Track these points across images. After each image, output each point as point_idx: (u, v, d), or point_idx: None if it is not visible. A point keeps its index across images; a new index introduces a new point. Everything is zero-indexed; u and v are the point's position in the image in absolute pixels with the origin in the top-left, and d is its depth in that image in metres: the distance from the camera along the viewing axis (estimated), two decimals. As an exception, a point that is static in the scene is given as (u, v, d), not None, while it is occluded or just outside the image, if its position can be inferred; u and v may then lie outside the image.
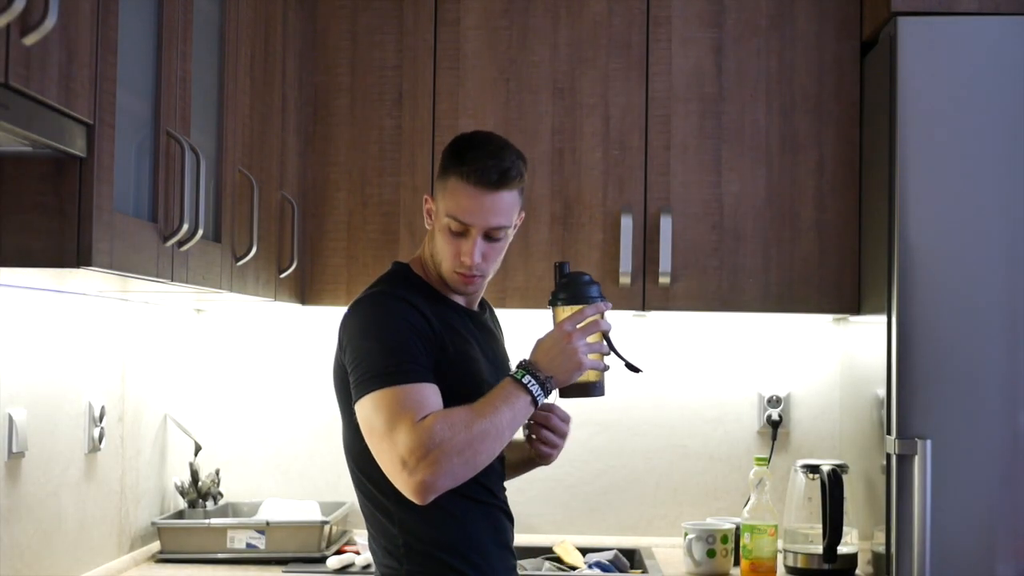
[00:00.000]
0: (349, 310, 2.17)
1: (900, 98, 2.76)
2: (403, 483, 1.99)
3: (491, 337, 2.32)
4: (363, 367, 2.06)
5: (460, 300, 2.26)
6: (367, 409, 2.03)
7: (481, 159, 2.13)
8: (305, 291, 3.17)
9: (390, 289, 2.17)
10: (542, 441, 2.26)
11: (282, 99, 2.93)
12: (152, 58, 2.06)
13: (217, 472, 3.31)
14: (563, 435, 2.28)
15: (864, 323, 3.06)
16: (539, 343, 2.13)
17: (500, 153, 2.16)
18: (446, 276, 2.20)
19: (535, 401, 2.07)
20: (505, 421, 2.03)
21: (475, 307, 2.29)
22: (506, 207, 2.16)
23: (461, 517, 2.15)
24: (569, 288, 2.17)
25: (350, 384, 2.09)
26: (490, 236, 2.16)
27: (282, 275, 2.92)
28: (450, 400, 2.07)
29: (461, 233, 2.16)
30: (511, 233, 2.20)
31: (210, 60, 2.41)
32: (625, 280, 3.08)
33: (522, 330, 2.49)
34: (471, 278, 2.18)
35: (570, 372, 2.10)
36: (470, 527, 2.16)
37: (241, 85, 2.57)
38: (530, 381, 2.06)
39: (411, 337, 2.07)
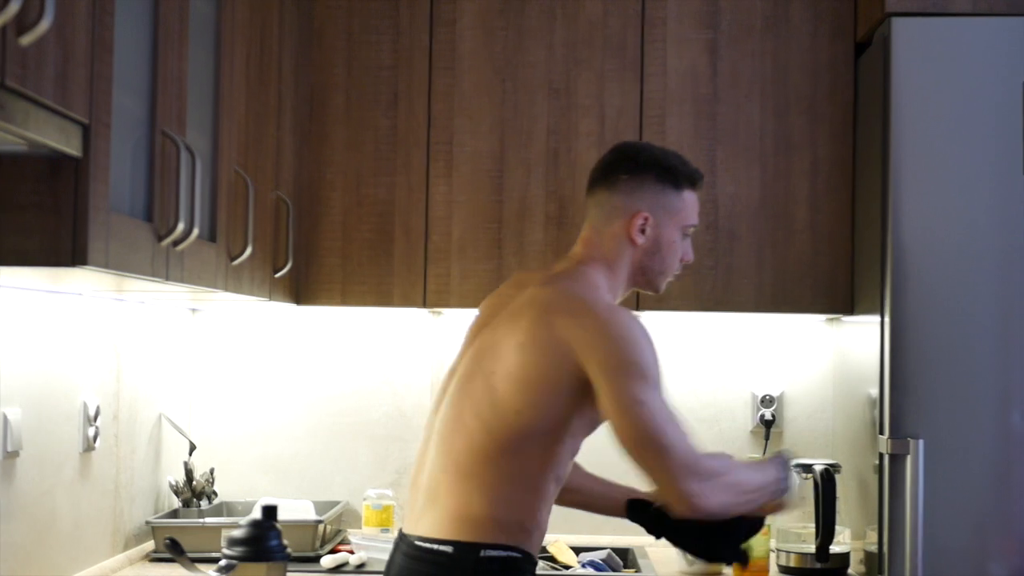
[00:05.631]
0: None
1: (894, 99, 2.76)
2: (684, 487, 2.04)
3: None
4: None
5: None
6: (646, 403, 2.06)
7: (692, 167, 2.34)
8: (300, 291, 3.18)
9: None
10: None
11: (278, 99, 2.93)
12: (148, 58, 2.06)
13: (212, 471, 3.31)
14: None
15: (857, 323, 3.07)
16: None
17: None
18: (662, 283, 2.32)
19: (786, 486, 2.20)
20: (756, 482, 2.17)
21: None
22: None
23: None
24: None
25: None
26: None
27: (277, 275, 2.92)
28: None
29: (687, 235, 2.33)
30: None
31: (206, 60, 2.41)
32: (619, 280, 3.08)
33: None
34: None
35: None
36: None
37: (237, 85, 2.57)
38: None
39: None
